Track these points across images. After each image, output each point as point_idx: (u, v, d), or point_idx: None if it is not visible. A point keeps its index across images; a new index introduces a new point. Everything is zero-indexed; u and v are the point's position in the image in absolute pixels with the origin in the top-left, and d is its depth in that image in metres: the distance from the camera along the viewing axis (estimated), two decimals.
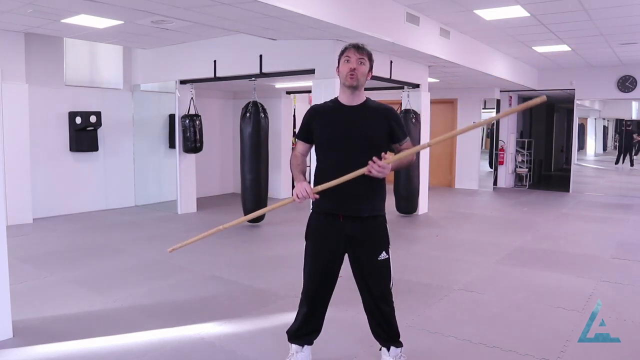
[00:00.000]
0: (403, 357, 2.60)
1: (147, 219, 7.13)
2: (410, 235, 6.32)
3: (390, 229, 2.57)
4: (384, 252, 2.48)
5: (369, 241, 2.47)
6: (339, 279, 2.58)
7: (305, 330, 2.62)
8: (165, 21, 5.49)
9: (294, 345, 2.65)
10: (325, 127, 2.48)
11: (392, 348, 2.57)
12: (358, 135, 2.41)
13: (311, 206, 2.54)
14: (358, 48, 2.42)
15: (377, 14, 5.35)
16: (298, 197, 2.36)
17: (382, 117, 2.47)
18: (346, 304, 3.46)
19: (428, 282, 4.30)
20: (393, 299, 2.56)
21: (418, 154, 6.64)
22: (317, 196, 2.38)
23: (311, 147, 2.60)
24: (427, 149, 7.94)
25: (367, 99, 2.51)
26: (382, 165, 2.27)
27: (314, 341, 2.67)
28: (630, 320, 3.47)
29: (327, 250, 2.49)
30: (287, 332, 2.68)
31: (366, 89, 2.52)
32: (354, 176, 2.31)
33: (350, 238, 2.45)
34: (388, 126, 2.46)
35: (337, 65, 2.49)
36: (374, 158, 2.27)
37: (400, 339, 2.61)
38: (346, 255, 2.54)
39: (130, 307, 3.67)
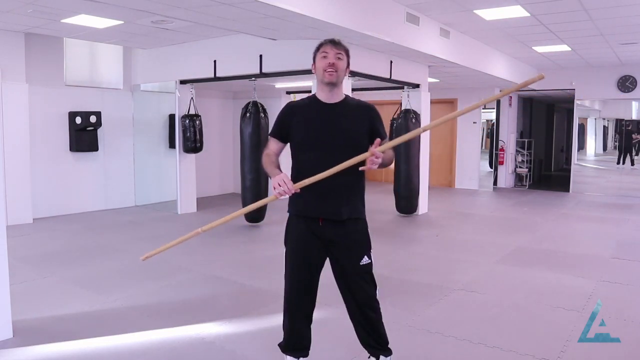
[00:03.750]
0: None
1: (147, 219, 7.13)
2: (410, 235, 6.30)
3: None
4: (365, 257, 2.38)
5: (350, 246, 2.36)
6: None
7: (294, 343, 2.50)
8: (165, 21, 5.49)
9: (288, 357, 2.54)
10: (304, 126, 2.34)
11: (381, 357, 2.46)
12: (338, 134, 2.29)
13: (287, 208, 2.42)
14: (335, 43, 2.31)
15: (377, 14, 5.35)
16: (276, 190, 2.18)
17: (363, 115, 2.36)
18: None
19: (428, 282, 4.30)
20: (380, 306, 2.46)
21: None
22: (298, 190, 2.20)
23: (284, 146, 2.45)
24: (427, 150, 7.92)
25: (347, 97, 2.40)
26: (377, 155, 2.13)
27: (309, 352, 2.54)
28: (630, 320, 3.47)
29: (307, 256, 2.38)
30: (280, 345, 2.57)
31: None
32: (344, 167, 2.18)
33: (330, 243, 2.35)
34: (369, 124, 2.35)
35: (312, 62, 2.36)
36: (374, 144, 2.15)
37: (390, 346, 2.49)
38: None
39: (130, 307, 3.67)
